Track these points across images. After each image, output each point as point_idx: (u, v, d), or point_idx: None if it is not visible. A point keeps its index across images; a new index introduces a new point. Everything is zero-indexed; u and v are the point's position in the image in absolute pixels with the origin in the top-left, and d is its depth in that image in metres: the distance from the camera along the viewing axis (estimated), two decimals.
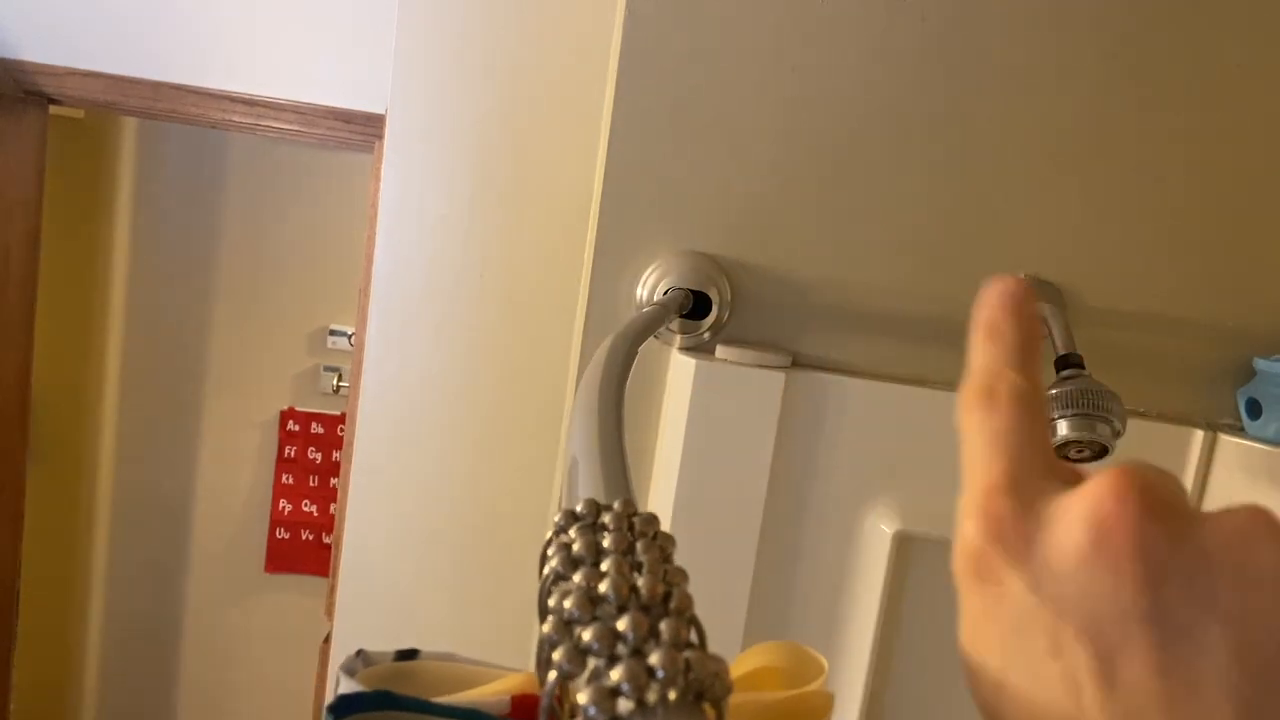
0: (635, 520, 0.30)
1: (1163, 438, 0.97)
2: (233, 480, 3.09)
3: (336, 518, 1.50)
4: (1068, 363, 0.91)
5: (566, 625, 0.24)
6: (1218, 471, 0.97)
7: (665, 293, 0.97)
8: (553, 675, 0.23)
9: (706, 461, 0.95)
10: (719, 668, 0.23)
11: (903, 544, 0.96)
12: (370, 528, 1.40)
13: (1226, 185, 0.97)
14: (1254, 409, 0.95)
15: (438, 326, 1.37)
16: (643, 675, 0.22)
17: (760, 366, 0.96)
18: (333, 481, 3.04)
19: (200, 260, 3.00)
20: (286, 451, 3.04)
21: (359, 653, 0.34)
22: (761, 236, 0.98)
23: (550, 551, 0.29)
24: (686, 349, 0.99)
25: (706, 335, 0.99)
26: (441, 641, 1.41)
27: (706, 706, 0.20)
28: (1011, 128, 0.97)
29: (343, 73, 1.69)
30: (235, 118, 1.73)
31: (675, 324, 0.99)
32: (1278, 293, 0.99)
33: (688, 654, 0.23)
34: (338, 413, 3.07)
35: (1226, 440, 0.96)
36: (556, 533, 0.30)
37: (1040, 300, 0.97)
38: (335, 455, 3.04)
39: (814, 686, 0.34)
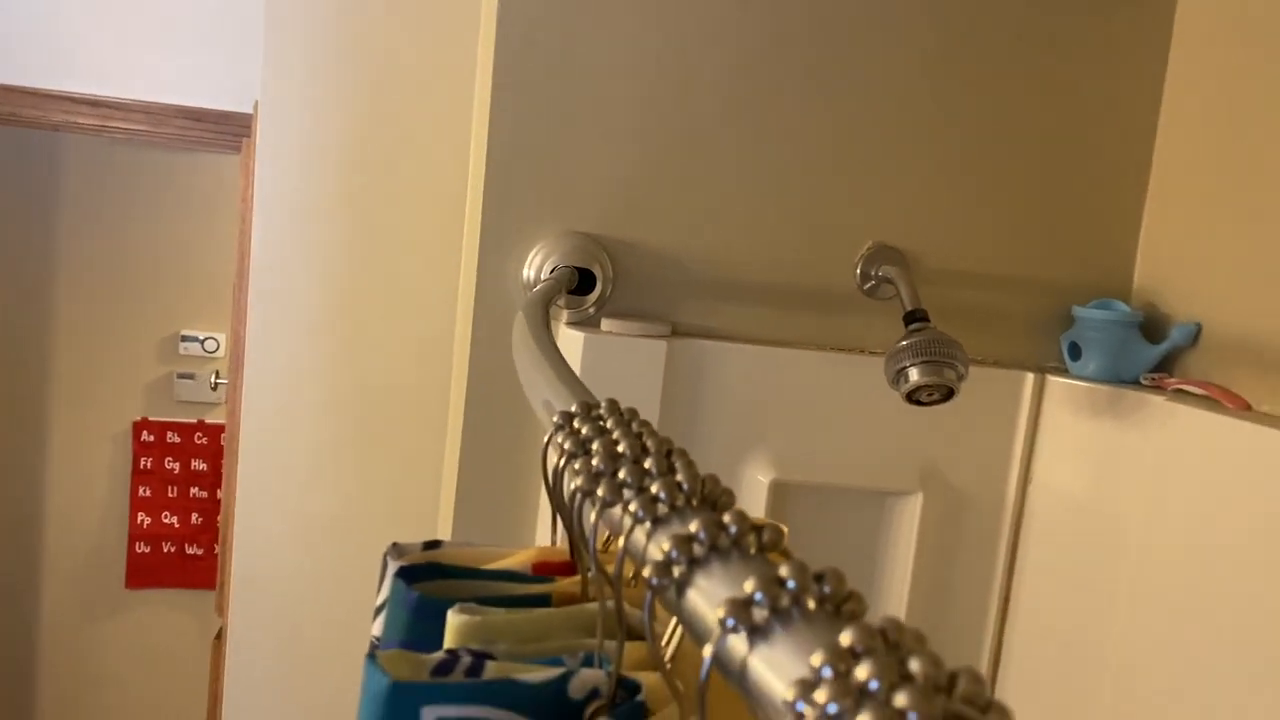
0: (622, 408, 0.37)
1: (999, 381, 1.10)
2: (86, 495, 2.96)
3: (224, 514, 1.49)
4: (915, 317, 1.02)
5: (596, 477, 0.31)
6: (1047, 408, 1.10)
7: (552, 271, 1.03)
8: (594, 510, 0.30)
9: None
10: (728, 489, 0.30)
11: (779, 491, 1.06)
12: (260, 524, 1.41)
13: (1043, 154, 1.11)
14: (1075, 351, 1.08)
15: (319, 320, 1.38)
16: (674, 489, 0.29)
17: (643, 336, 1.03)
18: (193, 491, 2.95)
19: (39, 267, 2.87)
20: (142, 463, 2.94)
21: (394, 545, 0.40)
22: (639, 216, 1.05)
23: (558, 441, 0.35)
24: (573, 323, 1.05)
25: (592, 310, 1.06)
26: (337, 631, 1.43)
27: (721, 513, 0.27)
28: (857, 107, 1.07)
29: (198, 72, 1.67)
30: (80, 120, 1.69)
31: (562, 300, 1.05)
32: (1090, 248, 1.13)
33: (704, 475, 0.29)
34: (194, 420, 2.98)
35: (1053, 380, 1.10)
36: (555, 431, 0.36)
37: (887, 264, 1.08)
38: (195, 464, 2.96)
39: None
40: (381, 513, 1.42)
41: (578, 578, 0.38)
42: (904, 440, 1.09)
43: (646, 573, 0.26)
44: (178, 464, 2.95)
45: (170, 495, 2.96)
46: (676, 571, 0.26)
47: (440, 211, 1.37)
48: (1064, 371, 1.10)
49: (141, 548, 2.96)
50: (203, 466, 2.95)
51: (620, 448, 0.33)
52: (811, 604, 0.22)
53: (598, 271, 1.05)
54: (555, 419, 0.38)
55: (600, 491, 0.31)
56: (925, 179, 1.09)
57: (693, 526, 0.26)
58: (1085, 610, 1.05)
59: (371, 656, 0.30)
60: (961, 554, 1.11)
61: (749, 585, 0.22)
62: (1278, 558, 0.86)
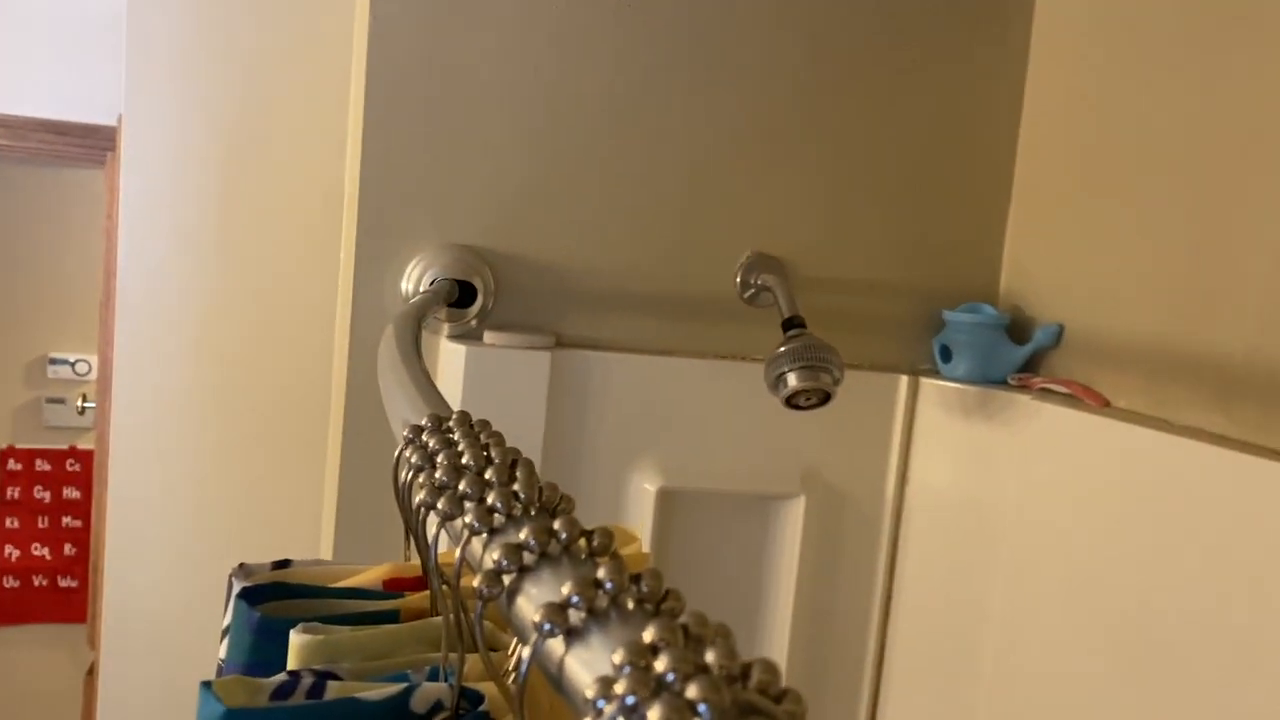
0: (472, 419, 0.37)
1: (875, 384, 1.13)
2: None
3: (94, 544, 1.43)
4: (792, 324, 1.04)
5: (439, 489, 0.31)
6: (922, 409, 1.13)
7: (431, 283, 1.02)
8: (435, 523, 0.29)
9: None
10: (566, 496, 0.30)
11: (666, 498, 1.06)
12: (133, 553, 1.36)
13: (911, 164, 1.14)
14: (946, 354, 1.12)
15: (190, 340, 1.34)
16: (511, 499, 0.29)
17: (527, 348, 1.03)
18: (65, 520, 2.83)
19: None
20: (9, 494, 2.80)
21: (240, 565, 0.39)
22: (519, 227, 1.05)
23: (406, 456, 0.35)
24: (455, 336, 1.04)
25: (474, 322, 1.05)
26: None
27: (561, 520, 0.27)
28: (732, 119, 1.09)
29: (61, 85, 1.60)
30: None
31: (443, 313, 1.04)
32: (958, 253, 1.17)
33: (541, 484, 0.30)
34: (65, 446, 2.86)
35: (926, 383, 1.13)
36: (405, 445, 0.36)
37: (766, 272, 1.10)
38: (67, 492, 2.83)
39: (632, 548, 0.42)
40: (262, 535, 1.38)
41: (428, 592, 0.38)
42: (785, 444, 1.11)
43: (477, 582, 0.26)
44: (48, 493, 2.83)
45: (41, 526, 2.82)
46: (507, 580, 0.26)
47: (315, 224, 1.35)
48: (936, 373, 1.13)
49: (10, 582, 2.82)
50: (76, 494, 2.83)
51: (464, 460, 0.33)
52: (630, 604, 0.23)
53: (478, 284, 1.04)
54: (405, 433, 0.38)
55: (441, 505, 0.30)
56: (800, 189, 1.12)
57: (523, 534, 0.26)
58: (963, 603, 1.08)
59: (206, 684, 0.29)
60: (844, 553, 1.14)
61: (565, 589, 0.23)
62: (1138, 546, 0.90)
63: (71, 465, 2.84)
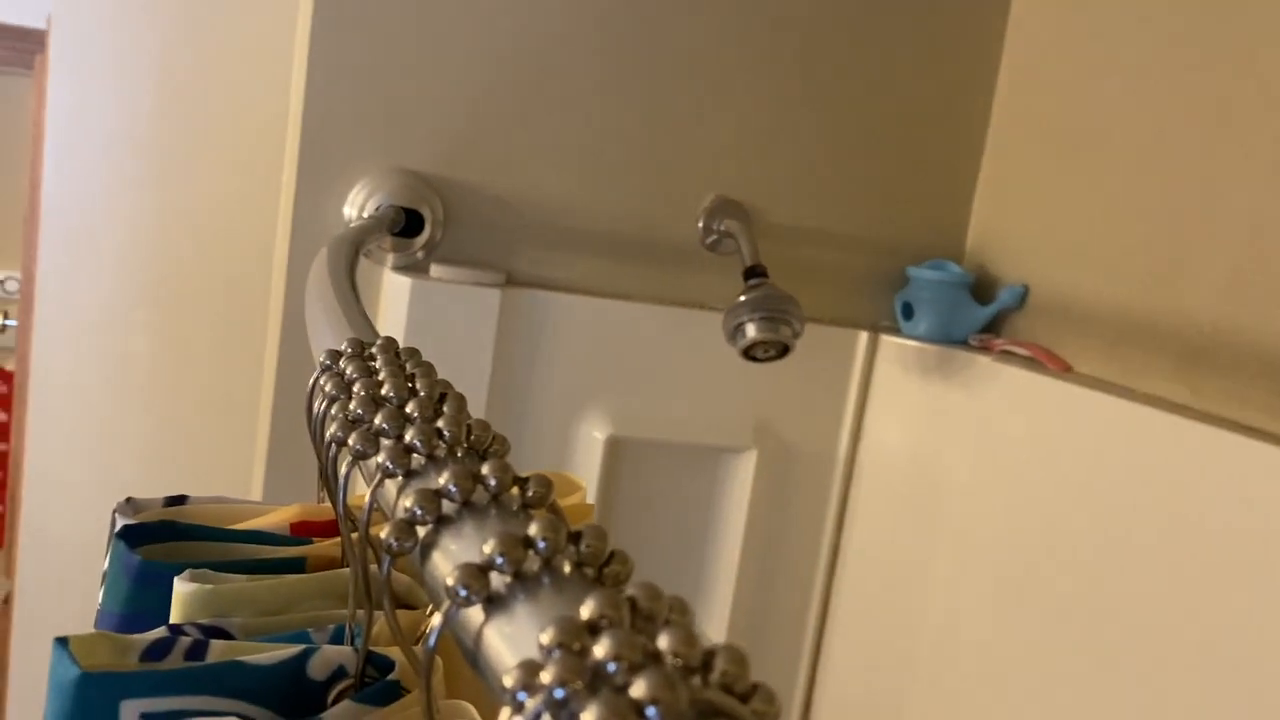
0: (398, 347, 0.32)
1: (834, 339, 1.09)
2: None
3: (12, 469, 1.37)
4: (754, 273, 1.00)
5: (352, 423, 0.26)
6: (880, 366, 1.10)
7: (377, 209, 0.96)
8: (346, 461, 0.25)
9: None
10: (499, 435, 0.26)
11: (615, 447, 1.03)
12: (53, 477, 1.30)
13: (882, 114, 1.10)
14: (908, 311, 1.09)
15: (119, 257, 1.27)
16: (433, 437, 0.24)
17: (476, 285, 0.98)
18: None
19: None
20: None
21: (128, 500, 0.34)
22: (473, 156, 1.00)
23: (320, 383, 0.30)
24: (400, 268, 0.99)
25: (420, 254, 1.00)
26: None
27: (490, 463, 0.23)
28: (699, 56, 1.04)
29: None
30: None
31: (388, 243, 0.99)
32: (926, 210, 1.13)
33: (469, 422, 0.25)
34: None
35: (886, 340, 1.10)
36: (322, 371, 0.31)
37: (729, 218, 1.06)
38: None
39: (575, 498, 0.38)
40: (189, 464, 1.33)
41: (339, 540, 0.33)
42: (740, 397, 1.07)
43: (384, 533, 0.22)
44: None
45: None
46: (421, 532, 0.22)
47: (258, 141, 1.27)
48: (897, 331, 1.10)
49: None
50: (2, 417, 2.73)
51: (384, 391, 0.28)
52: (566, 567, 0.19)
53: (427, 213, 0.99)
54: (322, 358, 0.33)
55: (353, 440, 0.26)
56: (768, 134, 1.07)
57: (443, 479, 0.22)
58: (910, 564, 1.07)
59: (61, 641, 0.25)
60: (793, 510, 1.11)
61: (488, 547, 0.19)
62: (1091, 514, 0.88)
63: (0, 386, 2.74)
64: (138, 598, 0.31)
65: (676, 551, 1.09)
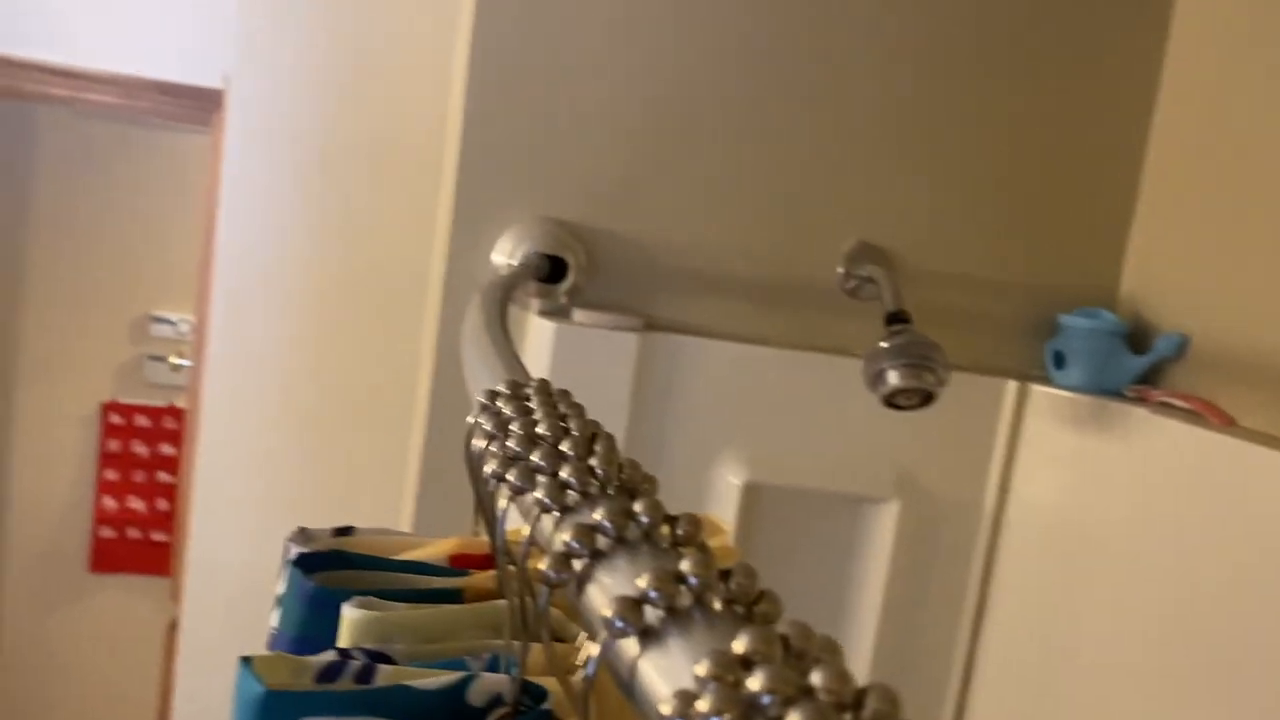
0: (551, 388, 0.33)
1: (980, 388, 1.07)
2: (51, 478, 2.91)
3: (181, 501, 1.45)
4: (897, 318, 0.99)
5: (511, 460, 0.28)
6: (1028, 417, 1.07)
7: (524, 257, 1.00)
8: (505, 497, 0.26)
9: None
10: (649, 476, 0.26)
11: (751, 493, 1.02)
12: (218, 511, 1.37)
13: (1033, 159, 1.08)
14: (1058, 360, 1.05)
15: (286, 303, 1.35)
16: (587, 475, 0.25)
17: (616, 329, 1.00)
18: (160, 476, 2.90)
19: (7, 244, 2.82)
20: (110, 446, 2.89)
21: (300, 529, 0.36)
22: (616, 205, 1.02)
23: (479, 422, 0.32)
24: (545, 313, 1.02)
25: (564, 299, 1.03)
26: None
27: (642, 501, 0.23)
28: (843, 104, 1.04)
29: (171, 45, 1.63)
30: (52, 90, 1.65)
31: (533, 289, 1.02)
32: (1078, 256, 1.10)
33: (621, 460, 0.26)
34: (164, 404, 2.93)
35: (1036, 389, 1.07)
36: (480, 410, 0.33)
37: (871, 263, 1.05)
38: (163, 448, 2.91)
39: (719, 540, 0.39)
40: (346, 502, 1.38)
41: (495, 572, 0.35)
42: (881, 445, 1.05)
43: (544, 565, 0.23)
44: (146, 448, 2.91)
45: (138, 480, 2.91)
46: (577, 565, 0.23)
47: (414, 195, 1.34)
48: (1047, 380, 1.07)
49: (106, 532, 2.91)
50: (171, 451, 2.90)
51: (539, 430, 0.29)
52: (717, 604, 0.19)
53: (570, 260, 1.02)
54: (480, 398, 0.35)
55: (512, 477, 0.27)
56: (913, 179, 1.06)
57: (597, 515, 0.23)
58: (1061, 624, 1.02)
59: (246, 660, 0.27)
60: (936, 563, 1.08)
61: (642, 582, 0.19)
62: (1259, 576, 0.83)
63: (169, 422, 2.92)
64: (309, 621, 0.33)
65: (814, 602, 1.08)
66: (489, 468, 0.29)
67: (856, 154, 1.05)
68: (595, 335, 1.00)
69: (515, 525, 0.30)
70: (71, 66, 1.63)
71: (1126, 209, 1.10)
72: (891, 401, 0.95)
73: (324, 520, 1.32)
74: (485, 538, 0.38)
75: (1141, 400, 1.00)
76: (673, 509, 0.86)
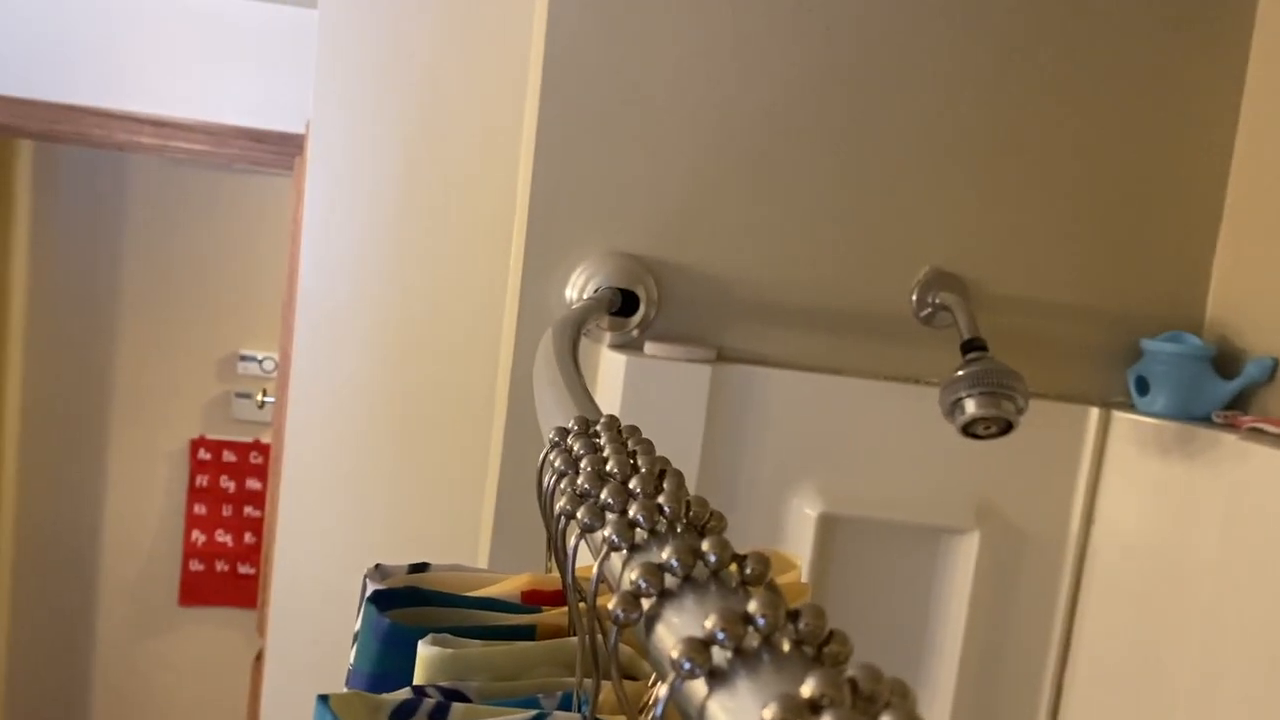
0: (620, 425, 0.34)
1: (1062, 415, 1.04)
2: (142, 512, 3.01)
3: (266, 535, 1.49)
4: (972, 346, 0.97)
5: (580, 498, 0.28)
6: (1112, 444, 1.04)
7: (595, 290, 1.01)
8: (575, 534, 0.27)
9: None
10: (716, 511, 0.26)
11: (827, 524, 1.01)
12: (301, 545, 1.40)
13: (1112, 180, 1.06)
14: (1142, 386, 1.03)
15: (365, 340, 1.38)
16: (655, 512, 0.25)
17: (687, 361, 1.00)
18: (247, 510, 2.98)
19: (103, 286, 2.93)
20: (198, 481, 2.98)
21: (377, 566, 0.37)
22: (686, 237, 1.03)
23: (550, 459, 0.32)
24: (616, 346, 1.03)
25: (635, 332, 1.03)
26: None
27: (710, 539, 0.24)
28: (914, 129, 1.03)
29: (255, 93, 1.69)
30: (143, 139, 1.72)
31: (605, 322, 1.03)
32: (1161, 278, 1.07)
33: (689, 498, 0.26)
34: (250, 440, 3.02)
35: (1119, 416, 1.04)
36: (551, 448, 0.33)
37: (945, 290, 1.04)
38: (249, 483, 2.99)
39: (790, 577, 0.38)
40: (424, 536, 1.40)
41: (567, 609, 0.35)
42: (960, 475, 1.04)
43: (612, 605, 0.23)
44: (233, 483, 2.99)
45: (225, 514, 2.99)
46: (645, 604, 0.23)
47: (488, 233, 1.36)
48: (1130, 407, 1.04)
49: (196, 565, 2.99)
50: (257, 486, 2.98)
51: (608, 467, 0.30)
52: (785, 645, 0.19)
53: (641, 293, 1.02)
54: (551, 435, 0.35)
55: (581, 514, 0.28)
56: (986, 203, 1.05)
57: (665, 553, 0.23)
58: (1150, 658, 0.99)
59: (323, 698, 0.28)
60: (1020, 596, 1.06)
61: (710, 622, 0.19)
62: None
63: (255, 458, 3.00)
64: (385, 658, 0.33)
65: (894, 635, 1.06)
66: (559, 504, 0.30)
67: (929, 180, 1.04)
68: (667, 367, 1.00)
69: (586, 562, 0.30)
70: (160, 116, 1.69)
71: (1211, 230, 1.07)
72: (970, 431, 0.93)
73: (405, 553, 1.34)
74: (557, 574, 0.38)
75: (1230, 426, 0.97)
76: (747, 541, 0.86)
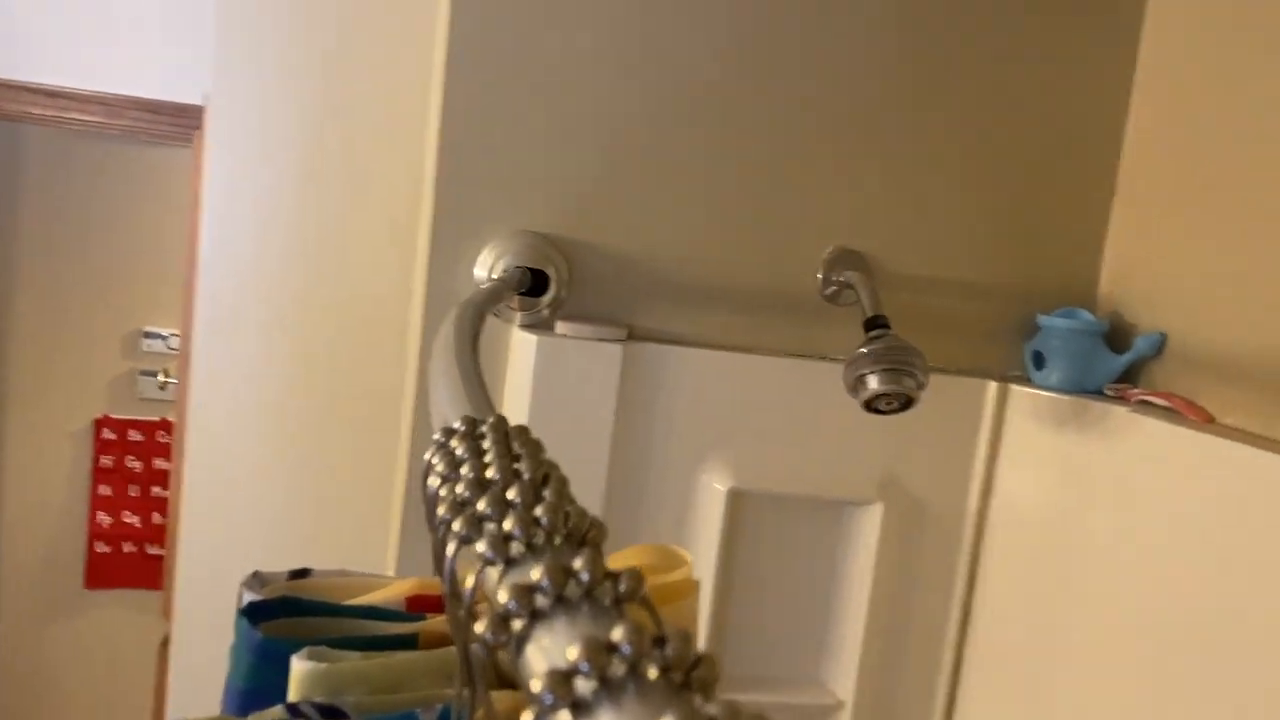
0: (508, 427, 0.34)
1: (961, 390, 1.07)
2: (44, 494, 2.91)
3: (171, 517, 1.45)
4: (875, 324, 0.99)
5: (460, 505, 0.28)
6: (1010, 417, 1.08)
7: (505, 271, 1.00)
8: (453, 544, 0.27)
9: (550, 434, 0.98)
10: (596, 520, 0.27)
11: (736, 499, 1.03)
12: (207, 526, 1.37)
13: (1008, 158, 1.08)
14: (1039, 360, 1.06)
15: (268, 317, 1.35)
16: (531, 525, 0.26)
17: (599, 340, 1.00)
18: (155, 490, 2.91)
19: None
20: (102, 461, 2.89)
21: (255, 574, 0.36)
22: (595, 217, 1.02)
23: (433, 462, 0.32)
24: (527, 326, 1.02)
25: (546, 312, 1.03)
26: None
27: (583, 555, 0.24)
28: (817, 108, 1.04)
29: (152, 64, 1.63)
30: (35, 110, 1.64)
31: (515, 302, 1.02)
32: (1056, 255, 1.10)
33: (569, 508, 0.26)
34: (157, 418, 2.93)
35: (1017, 390, 1.07)
36: (437, 449, 0.33)
37: (848, 268, 1.06)
38: (157, 463, 2.91)
39: (680, 574, 0.39)
40: (332, 515, 1.38)
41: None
42: (863, 449, 1.06)
43: (480, 629, 0.23)
44: (140, 463, 2.91)
45: (132, 495, 2.91)
46: (516, 625, 0.23)
47: (394, 208, 1.34)
48: (1027, 381, 1.07)
49: (101, 547, 2.91)
50: (166, 465, 2.90)
51: (489, 474, 0.30)
52: (652, 673, 0.20)
53: (552, 273, 1.02)
54: (436, 436, 0.35)
55: (458, 526, 0.28)
56: (888, 183, 1.07)
57: (534, 574, 0.23)
58: (1047, 623, 1.03)
59: None
60: (921, 565, 1.09)
61: (573, 653, 0.19)
62: (1239, 572, 0.84)
63: (162, 437, 2.92)
64: (259, 673, 0.33)
65: (801, 606, 1.08)
66: (440, 511, 0.30)
67: (832, 159, 1.05)
68: (579, 347, 1.00)
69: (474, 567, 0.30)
70: (54, 86, 1.62)
71: (1104, 207, 1.10)
72: (872, 406, 0.95)
73: (315, 535, 1.31)
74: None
75: (1121, 399, 1.01)
76: (659, 518, 0.87)
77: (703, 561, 1.02)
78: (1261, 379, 0.91)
